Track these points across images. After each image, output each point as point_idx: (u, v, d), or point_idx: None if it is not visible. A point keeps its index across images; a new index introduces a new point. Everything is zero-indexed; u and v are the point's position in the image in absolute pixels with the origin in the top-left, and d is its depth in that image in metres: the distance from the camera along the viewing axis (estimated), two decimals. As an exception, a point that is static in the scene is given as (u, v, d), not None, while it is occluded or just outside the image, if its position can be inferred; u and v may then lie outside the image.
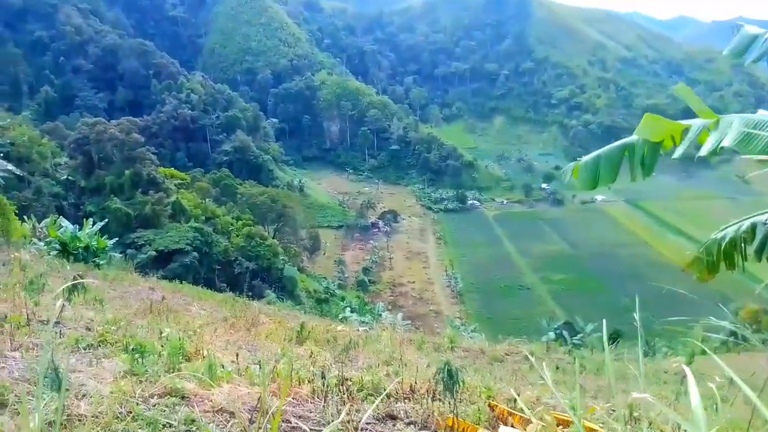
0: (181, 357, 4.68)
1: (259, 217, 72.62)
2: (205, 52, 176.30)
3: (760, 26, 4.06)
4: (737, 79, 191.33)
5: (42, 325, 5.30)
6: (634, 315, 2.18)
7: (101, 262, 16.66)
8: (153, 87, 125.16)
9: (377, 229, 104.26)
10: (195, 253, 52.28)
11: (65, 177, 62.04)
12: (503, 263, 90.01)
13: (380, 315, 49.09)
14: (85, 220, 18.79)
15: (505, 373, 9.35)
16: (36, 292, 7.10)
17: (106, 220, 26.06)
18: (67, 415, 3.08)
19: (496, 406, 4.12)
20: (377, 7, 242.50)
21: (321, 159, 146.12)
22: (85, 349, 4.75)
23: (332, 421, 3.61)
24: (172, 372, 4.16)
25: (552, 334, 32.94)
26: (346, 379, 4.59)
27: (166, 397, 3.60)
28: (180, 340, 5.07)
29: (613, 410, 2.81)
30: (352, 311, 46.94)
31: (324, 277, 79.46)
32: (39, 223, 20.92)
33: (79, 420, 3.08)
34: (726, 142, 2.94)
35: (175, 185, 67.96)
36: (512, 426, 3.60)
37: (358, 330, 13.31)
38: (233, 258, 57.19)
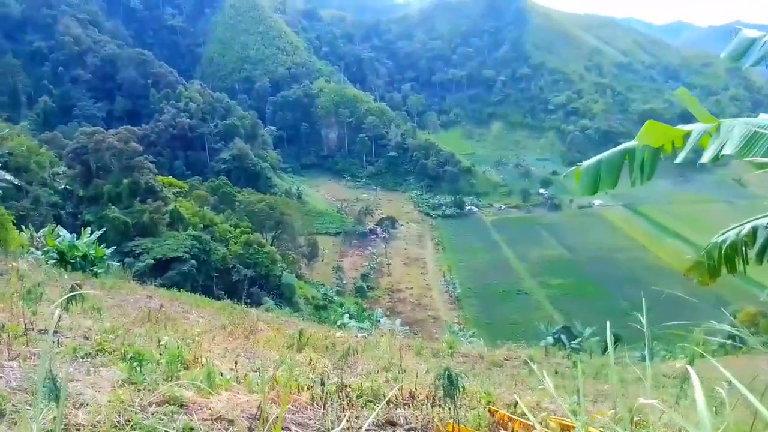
0: (179, 365, 4.66)
1: (257, 225, 72.56)
2: (203, 61, 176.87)
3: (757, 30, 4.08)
4: (733, 84, 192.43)
5: (40, 334, 5.29)
6: (641, 318, 2.16)
7: (99, 271, 16.63)
8: (151, 96, 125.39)
9: (375, 236, 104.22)
10: (193, 261, 52.14)
11: (63, 186, 61.96)
12: (501, 268, 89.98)
13: (379, 321, 49.00)
14: (83, 229, 18.77)
15: (505, 378, 9.33)
16: (34, 302, 7.08)
17: (104, 228, 26.01)
18: (66, 425, 3.07)
19: (497, 411, 4.11)
20: (375, 15, 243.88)
21: (319, 166, 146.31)
22: (83, 358, 4.73)
23: (332, 428, 3.59)
24: (171, 380, 4.15)
25: (550, 339, 32.88)
26: (346, 386, 4.57)
27: (164, 406, 3.59)
28: (178, 348, 5.05)
29: (618, 416, 2.80)
30: (350, 318, 46.79)
31: (322, 284, 79.31)
32: (37, 233, 20.91)
33: (78, 429, 3.07)
34: (727, 150, 2.96)
35: (173, 193, 67.90)
36: (512, 431, 3.59)
37: (357, 336, 13.28)
38: (231, 265, 57.05)
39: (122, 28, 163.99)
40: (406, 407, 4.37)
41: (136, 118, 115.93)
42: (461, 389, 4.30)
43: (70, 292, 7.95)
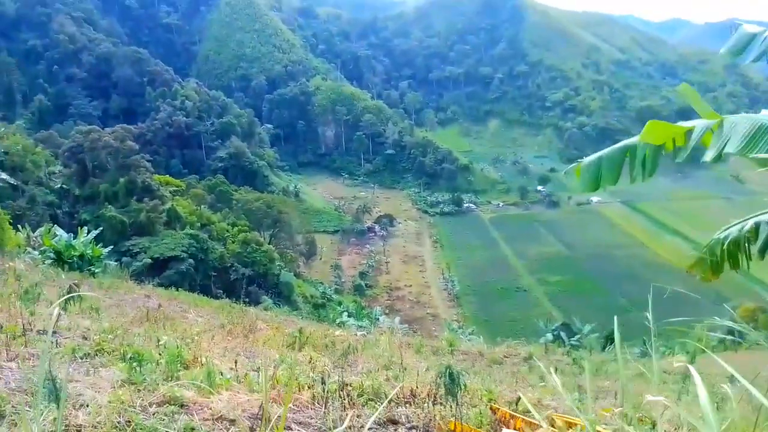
0: (179, 365, 4.64)
1: (255, 223, 72.43)
2: (199, 59, 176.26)
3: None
4: (731, 80, 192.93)
5: (38, 335, 5.25)
6: (646, 315, 2.14)
7: (96, 271, 16.58)
8: (147, 94, 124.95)
9: (373, 234, 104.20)
10: (191, 260, 52.03)
11: (59, 185, 61.71)
12: (500, 266, 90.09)
13: (378, 319, 49.05)
14: (79, 228, 18.72)
15: (505, 375, 9.34)
16: (31, 302, 7.05)
17: (101, 228, 25.94)
18: (66, 426, 3.04)
19: (498, 409, 4.10)
20: (371, 12, 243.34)
21: (316, 164, 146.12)
22: (82, 358, 4.70)
23: (333, 427, 3.58)
24: (171, 380, 4.13)
25: (550, 336, 32.94)
26: (347, 385, 4.56)
27: (165, 406, 3.57)
28: (178, 347, 5.03)
29: (626, 413, 2.79)
30: (349, 316, 46.83)
31: (321, 282, 79.27)
32: (33, 232, 20.83)
33: (78, 430, 3.04)
34: (730, 147, 2.93)
35: (170, 192, 67.71)
36: (515, 429, 3.58)
37: (356, 335, 13.28)
38: (229, 264, 56.95)
39: (117, 26, 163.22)
40: (407, 405, 4.36)
41: (132, 116, 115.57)
42: (463, 387, 4.29)
43: (68, 292, 7.91)
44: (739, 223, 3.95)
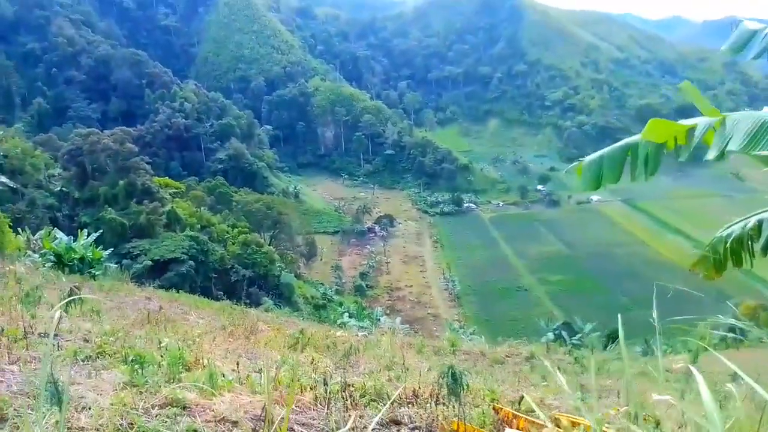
0: (181, 367, 4.63)
1: (255, 225, 72.43)
2: (198, 61, 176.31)
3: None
4: (730, 78, 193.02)
5: (39, 337, 5.25)
6: (648, 313, 2.13)
7: (97, 273, 16.56)
8: (146, 96, 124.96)
9: (374, 234, 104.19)
10: (191, 262, 52.03)
11: (59, 188, 61.71)
12: (500, 265, 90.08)
13: (378, 320, 49.10)
14: (79, 231, 18.70)
15: (507, 375, 9.33)
16: (32, 305, 7.04)
17: (101, 230, 25.93)
18: (68, 429, 3.04)
19: (501, 409, 4.09)
20: (370, 13, 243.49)
21: (316, 165, 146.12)
22: (83, 361, 4.70)
23: (336, 428, 3.57)
24: (173, 382, 4.12)
25: (551, 335, 32.97)
26: (349, 385, 4.55)
27: (167, 408, 3.56)
28: (179, 349, 5.02)
29: (631, 412, 2.77)
30: (350, 316, 46.83)
31: (321, 283, 79.27)
32: (33, 235, 20.81)
33: (80, 433, 3.04)
34: (733, 145, 2.92)
35: (169, 194, 67.72)
36: (518, 429, 3.57)
37: (358, 335, 13.27)
38: (229, 266, 56.96)
39: (116, 28, 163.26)
40: (410, 406, 4.35)
41: (131, 118, 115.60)
42: (466, 387, 4.28)
43: (69, 294, 7.90)
44: (741, 220, 3.94)
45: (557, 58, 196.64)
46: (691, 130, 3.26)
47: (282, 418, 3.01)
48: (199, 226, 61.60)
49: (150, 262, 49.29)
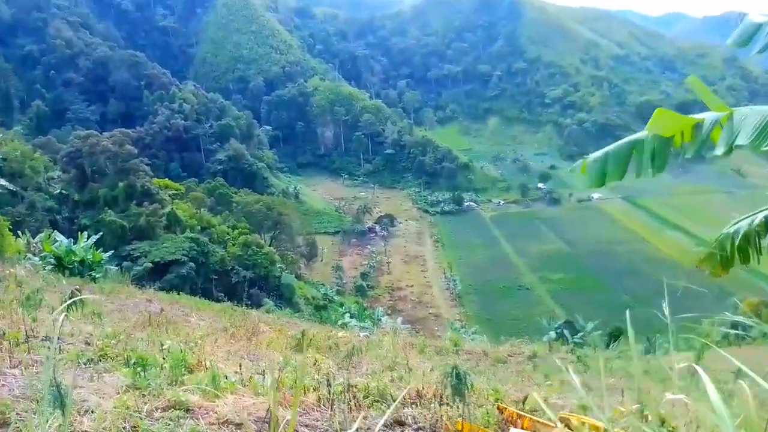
0: (183, 369, 4.62)
1: (255, 226, 72.38)
2: (196, 62, 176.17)
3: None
4: (730, 73, 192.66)
5: (41, 341, 5.23)
6: (664, 308, 2.10)
7: (97, 276, 16.55)
8: (145, 98, 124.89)
9: (374, 234, 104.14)
10: (191, 264, 52.02)
11: (58, 191, 61.71)
12: (501, 264, 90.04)
13: (380, 320, 49.07)
14: (79, 233, 18.69)
15: (510, 374, 9.32)
16: (33, 308, 7.02)
17: (101, 233, 25.93)
18: (71, 433, 3.02)
19: (505, 408, 4.07)
20: (368, 11, 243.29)
21: (316, 165, 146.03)
22: (85, 364, 4.68)
23: (340, 429, 3.56)
24: (175, 384, 4.11)
25: (553, 334, 32.93)
26: (352, 386, 4.54)
27: (170, 411, 3.54)
28: (182, 351, 5.01)
29: (641, 411, 2.76)
30: (351, 317, 46.81)
31: (322, 284, 79.22)
32: (33, 238, 20.79)
33: (83, 437, 3.02)
34: (741, 140, 2.89)
35: (169, 196, 67.71)
36: (522, 428, 3.55)
37: (359, 336, 13.26)
38: (230, 267, 56.94)
39: (114, 29, 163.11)
40: (413, 406, 4.34)
41: (130, 120, 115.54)
42: (470, 387, 4.26)
43: (71, 297, 7.88)
44: (748, 217, 3.91)
45: (557, 56, 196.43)
46: (698, 125, 3.23)
47: (286, 419, 2.99)
48: (199, 227, 61.59)
49: (150, 264, 49.31)
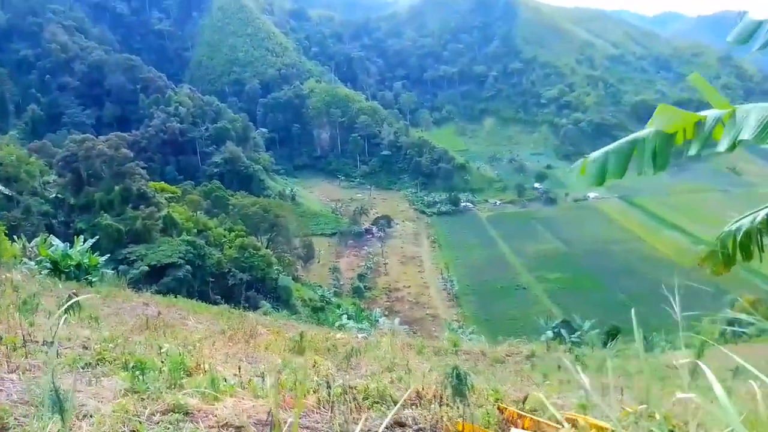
0: (182, 372, 4.59)
1: (252, 228, 72.23)
2: (192, 65, 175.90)
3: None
4: (725, 72, 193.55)
5: (38, 345, 5.20)
6: (674, 305, 2.10)
7: (93, 279, 16.49)
8: (141, 101, 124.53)
9: (371, 235, 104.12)
10: (188, 267, 51.87)
11: (54, 195, 61.49)
12: (498, 264, 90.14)
13: (377, 321, 49.05)
14: (75, 237, 18.62)
15: (508, 374, 9.32)
16: (30, 313, 6.98)
17: (97, 236, 25.84)
18: (70, 438, 3.00)
19: (506, 408, 4.07)
20: (364, 13, 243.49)
21: (312, 167, 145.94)
22: (83, 368, 4.66)
23: (339, 431, 3.55)
24: (174, 388, 4.09)
25: (550, 333, 33.02)
26: (352, 388, 4.53)
27: (169, 414, 3.53)
28: (180, 355, 4.99)
29: (652, 413, 2.75)
30: (349, 318, 46.80)
31: (319, 286, 79.13)
32: (29, 243, 20.70)
33: (82, 442, 3.00)
34: (745, 135, 2.89)
35: (165, 199, 67.54)
36: (523, 428, 3.55)
37: (357, 337, 13.24)
38: (227, 270, 56.81)
39: (109, 33, 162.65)
40: (413, 407, 4.33)
41: (126, 124, 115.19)
42: (470, 387, 4.26)
43: (68, 301, 7.84)
44: (750, 214, 3.91)
45: (552, 56, 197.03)
46: (700, 123, 3.23)
47: (287, 422, 2.98)
48: (195, 230, 61.43)
49: (147, 268, 49.14)
